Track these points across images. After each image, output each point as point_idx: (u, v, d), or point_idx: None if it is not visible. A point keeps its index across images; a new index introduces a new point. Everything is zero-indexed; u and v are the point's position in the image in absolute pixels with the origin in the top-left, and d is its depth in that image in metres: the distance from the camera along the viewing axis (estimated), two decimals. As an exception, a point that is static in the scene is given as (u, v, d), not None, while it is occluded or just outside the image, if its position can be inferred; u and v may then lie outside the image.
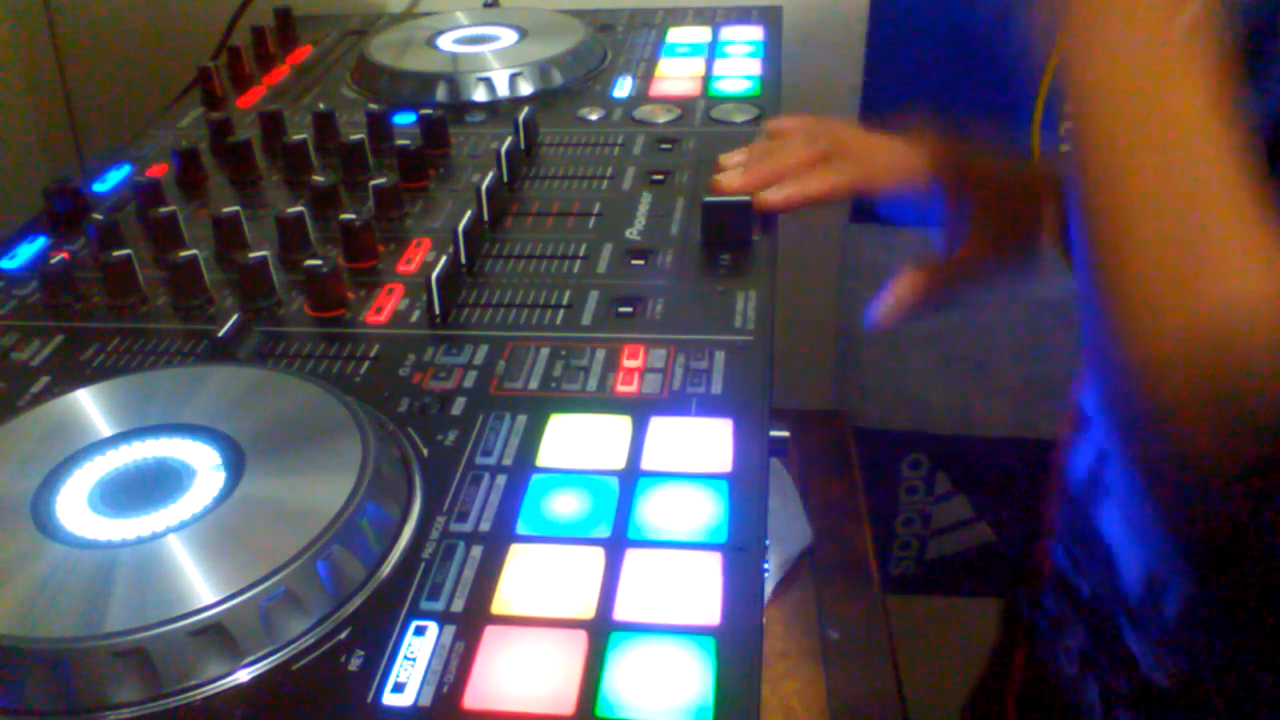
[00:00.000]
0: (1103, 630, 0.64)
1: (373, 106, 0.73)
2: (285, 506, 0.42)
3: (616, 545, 0.41)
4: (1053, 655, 0.69)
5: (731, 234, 0.59)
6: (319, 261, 0.55)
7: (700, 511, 0.42)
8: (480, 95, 0.77)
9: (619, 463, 0.45)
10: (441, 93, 0.78)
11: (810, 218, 1.08)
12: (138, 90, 1.01)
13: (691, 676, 0.36)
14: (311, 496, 0.41)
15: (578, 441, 0.46)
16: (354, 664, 0.37)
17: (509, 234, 0.62)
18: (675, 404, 0.48)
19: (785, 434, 0.48)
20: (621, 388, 0.49)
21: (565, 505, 0.43)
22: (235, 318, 0.54)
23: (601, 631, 0.37)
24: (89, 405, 0.47)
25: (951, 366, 1.12)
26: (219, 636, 0.37)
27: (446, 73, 0.78)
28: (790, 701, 0.77)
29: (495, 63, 0.79)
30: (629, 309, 0.54)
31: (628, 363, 0.51)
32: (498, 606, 0.39)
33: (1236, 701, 0.57)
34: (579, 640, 0.37)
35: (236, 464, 0.43)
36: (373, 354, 0.52)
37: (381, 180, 0.63)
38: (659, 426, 0.46)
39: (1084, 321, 0.48)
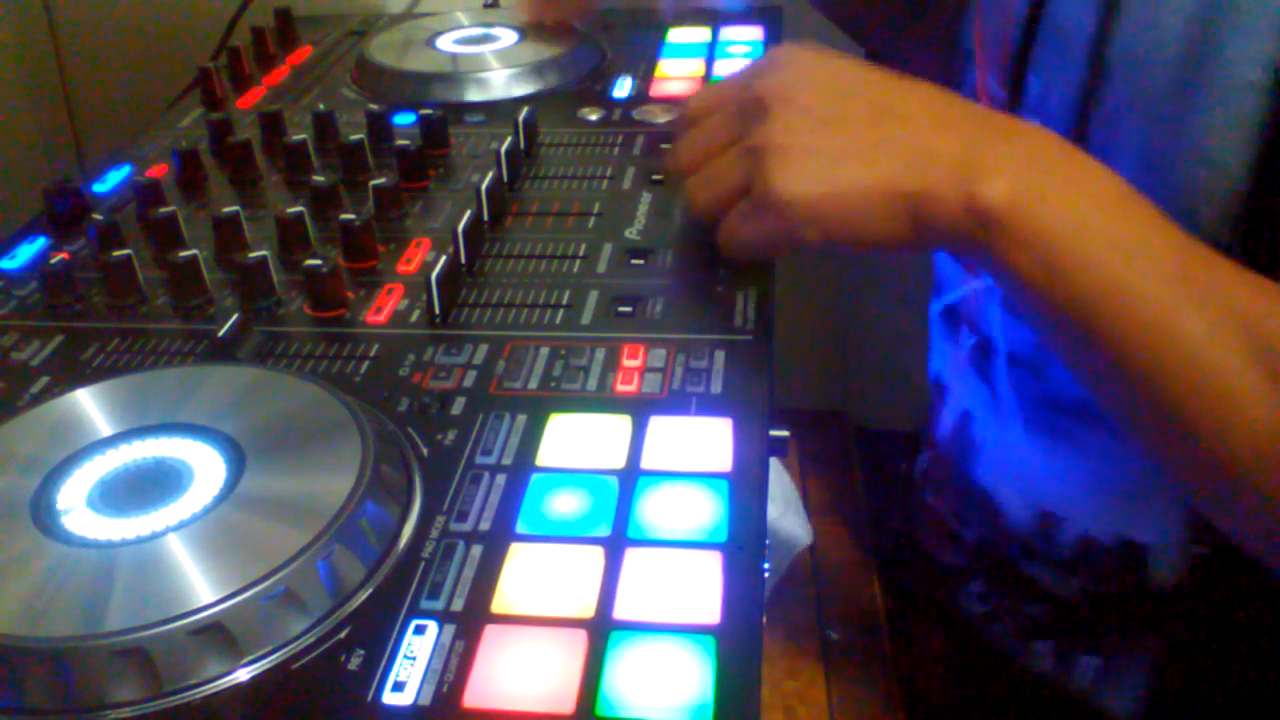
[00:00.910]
0: (998, 569, 0.67)
1: (373, 106, 0.73)
2: (285, 506, 0.42)
3: (616, 544, 0.41)
4: (964, 601, 0.71)
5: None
6: (319, 261, 0.55)
7: (700, 511, 0.42)
8: (480, 95, 0.77)
9: (619, 462, 0.45)
10: (441, 93, 0.78)
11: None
12: (138, 90, 1.01)
13: (691, 676, 0.36)
14: (311, 496, 0.41)
15: (577, 441, 0.46)
16: (354, 663, 0.37)
17: (509, 234, 0.62)
18: (675, 403, 0.48)
19: (785, 434, 0.48)
20: (621, 387, 0.49)
21: (565, 504, 0.43)
22: (235, 318, 0.54)
23: (601, 630, 0.37)
24: (89, 405, 0.47)
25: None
26: (219, 636, 0.37)
27: (446, 73, 0.78)
28: (790, 701, 0.77)
29: (495, 63, 0.79)
30: (629, 308, 0.54)
31: (627, 362, 0.51)
32: (497, 606, 0.39)
33: (1138, 604, 0.62)
34: (579, 639, 0.37)
35: (236, 463, 0.43)
36: (372, 354, 0.52)
37: (381, 180, 0.63)
38: (659, 426, 0.46)
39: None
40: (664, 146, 0.69)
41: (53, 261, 0.58)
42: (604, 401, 0.48)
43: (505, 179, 0.65)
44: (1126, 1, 0.53)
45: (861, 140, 0.49)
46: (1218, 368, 0.43)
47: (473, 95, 0.77)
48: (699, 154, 0.55)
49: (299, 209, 0.60)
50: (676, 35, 0.87)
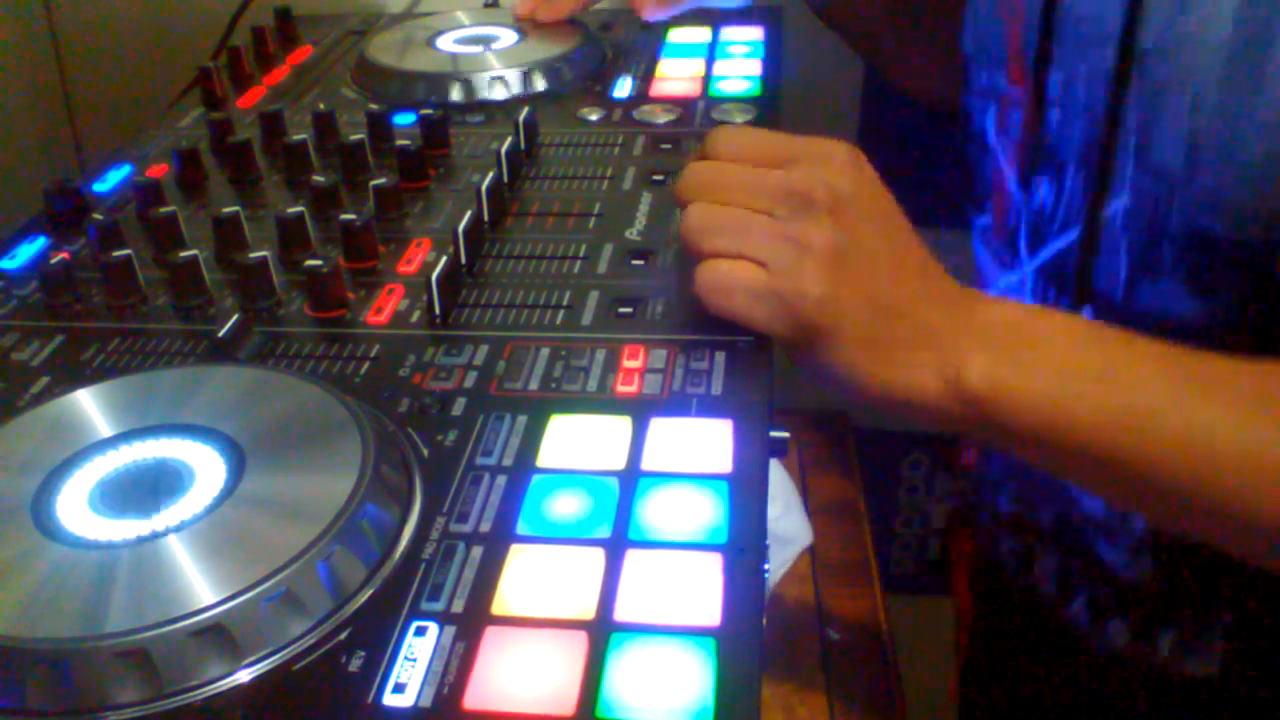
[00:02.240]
0: (1077, 548, 0.67)
1: (373, 106, 0.73)
2: (285, 507, 0.42)
3: (617, 546, 0.41)
4: (1029, 583, 0.71)
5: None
6: (319, 262, 0.55)
7: (700, 512, 0.42)
8: (480, 95, 0.77)
9: (619, 463, 0.45)
10: (441, 93, 0.77)
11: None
12: (138, 90, 1.01)
13: (692, 677, 0.36)
14: (312, 497, 0.41)
15: (578, 442, 0.46)
16: (354, 664, 0.37)
17: (509, 234, 0.62)
18: (675, 404, 0.48)
19: (785, 434, 0.48)
20: (622, 388, 0.49)
21: (565, 506, 0.43)
22: (235, 318, 0.54)
23: (602, 632, 0.37)
24: (89, 405, 0.47)
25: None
26: (219, 637, 0.37)
27: (446, 73, 0.78)
28: (790, 701, 0.77)
29: (495, 63, 0.79)
30: (629, 309, 0.54)
31: (628, 363, 0.51)
32: (498, 607, 0.39)
33: (1209, 586, 0.63)
34: (579, 641, 0.37)
35: (236, 464, 0.43)
36: (373, 354, 0.52)
37: (381, 180, 0.63)
38: (659, 427, 0.46)
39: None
40: (664, 147, 0.70)
41: (53, 261, 0.58)
42: (604, 402, 0.48)
43: (505, 179, 0.65)
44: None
45: (885, 303, 0.49)
46: (1248, 446, 0.46)
47: (473, 95, 0.77)
48: (710, 189, 0.52)
49: (299, 209, 0.60)
50: (677, 35, 0.87)
